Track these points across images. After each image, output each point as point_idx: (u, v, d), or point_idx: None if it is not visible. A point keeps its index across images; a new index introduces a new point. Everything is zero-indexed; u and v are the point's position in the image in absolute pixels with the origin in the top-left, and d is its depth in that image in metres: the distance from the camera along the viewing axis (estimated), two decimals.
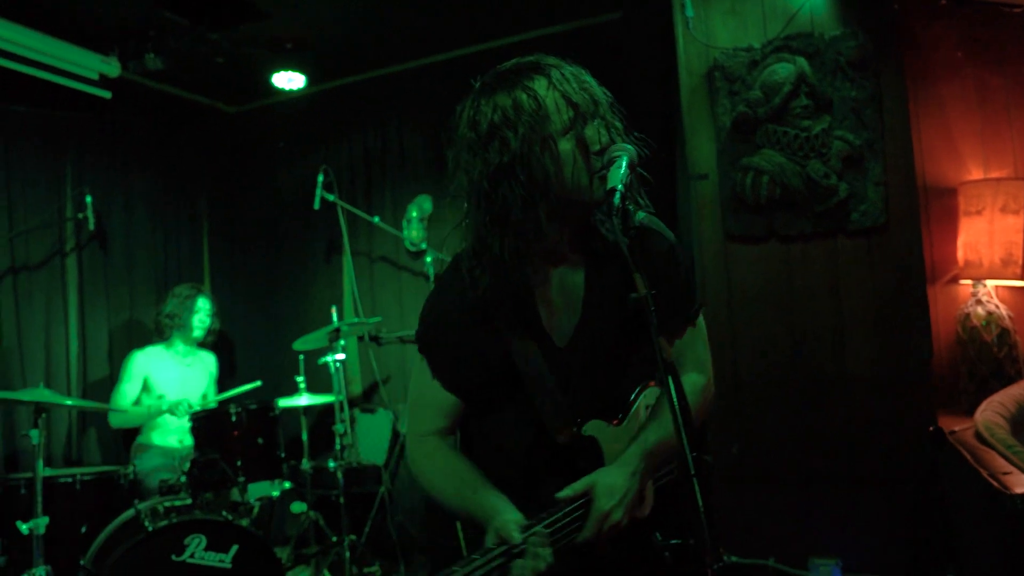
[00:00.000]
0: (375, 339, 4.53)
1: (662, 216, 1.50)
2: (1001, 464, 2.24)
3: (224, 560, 2.90)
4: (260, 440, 3.53)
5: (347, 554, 3.50)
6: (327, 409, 4.37)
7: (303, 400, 3.94)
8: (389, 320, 4.56)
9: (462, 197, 1.35)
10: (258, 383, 4.06)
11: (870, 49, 3.02)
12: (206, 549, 2.88)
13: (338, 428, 3.76)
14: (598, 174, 1.30)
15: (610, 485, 1.31)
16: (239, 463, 3.41)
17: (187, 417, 3.66)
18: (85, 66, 3.83)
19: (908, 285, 3.06)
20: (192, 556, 2.85)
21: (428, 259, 4.26)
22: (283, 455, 3.66)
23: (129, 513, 3.05)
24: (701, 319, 1.54)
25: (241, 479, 3.40)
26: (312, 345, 3.93)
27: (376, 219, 4.47)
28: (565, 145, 1.29)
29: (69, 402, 3.38)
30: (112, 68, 3.88)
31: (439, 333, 1.43)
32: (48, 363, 4.10)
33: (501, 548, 1.21)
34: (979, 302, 3.19)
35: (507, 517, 1.25)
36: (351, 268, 4.68)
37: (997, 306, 3.16)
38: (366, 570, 3.63)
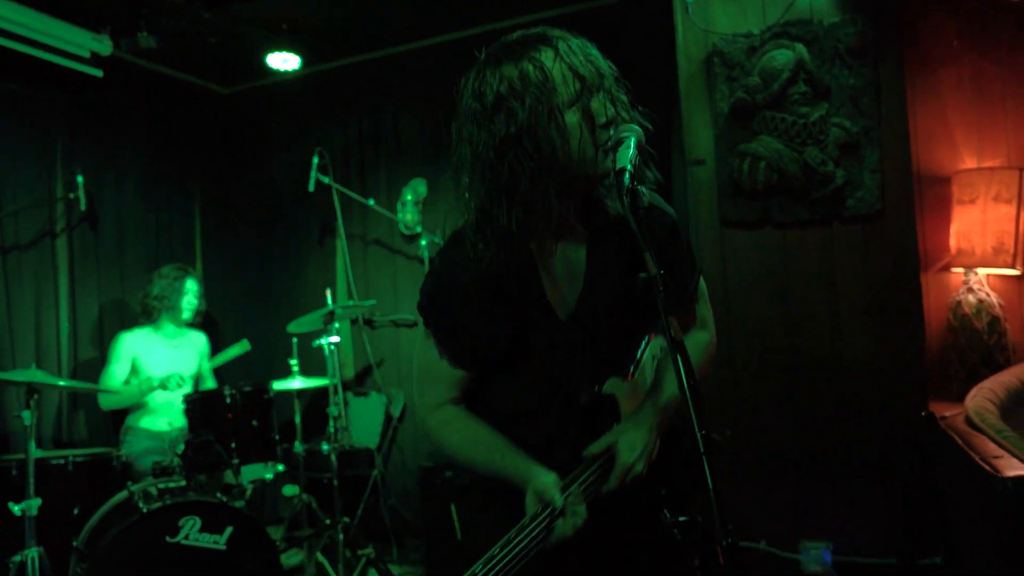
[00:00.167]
0: (369, 322, 4.54)
1: None
2: (992, 448, 2.27)
3: (219, 542, 2.91)
4: (255, 422, 3.53)
5: (340, 537, 3.50)
6: (319, 392, 4.37)
7: (296, 383, 3.94)
8: (383, 304, 4.55)
9: (464, 170, 1.34)
10: (245, 343, 4.06)
11: (869, 37, 3.03)
12: (200, 531, 2.88)
13: (332, 410, 3.75)
14: (603, 148, 1.30)
15: (631, 440, 1.37)
16: (233, 445, 3.41)
17: (179, 395, 3.66)
18: (76, 44, 3.79)
19: (902, 272, 3.08)
20: (187, 538, 2.85)
21: (423, 243, 4.26)
22: (277, 437, 3.66)
23: (122, 495, 3.04)
24: (702, 282, 1.59)
25: (235, 461, 3.40)
26: (306, 328, 3.92)
27: (371, 202, 4.45)
28: (571, 117, 1.28)
29: (62, 383, 3.36)
30: (104, 46, 3.84)
31: (444, 307, 1.42)
32: (38, 344, 4.06)
33: (547, 512, 1.27)
34: (970, 290, 3.22)
35: (546, 480, 1.30)
36: (345, 251, 4.67)
37: (988, 294, 3.20)
38: (359, 552, 3.64)
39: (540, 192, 1.28)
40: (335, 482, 3.64)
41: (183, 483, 3.05)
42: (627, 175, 1.23)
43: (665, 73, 3.43)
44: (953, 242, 3.29)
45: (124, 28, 3.82)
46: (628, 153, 1.27)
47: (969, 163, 3.32)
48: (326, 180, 4.35)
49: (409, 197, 4.53)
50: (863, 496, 3.06)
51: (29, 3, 3.51)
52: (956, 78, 3.33)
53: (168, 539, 2.82)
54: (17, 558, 2.75)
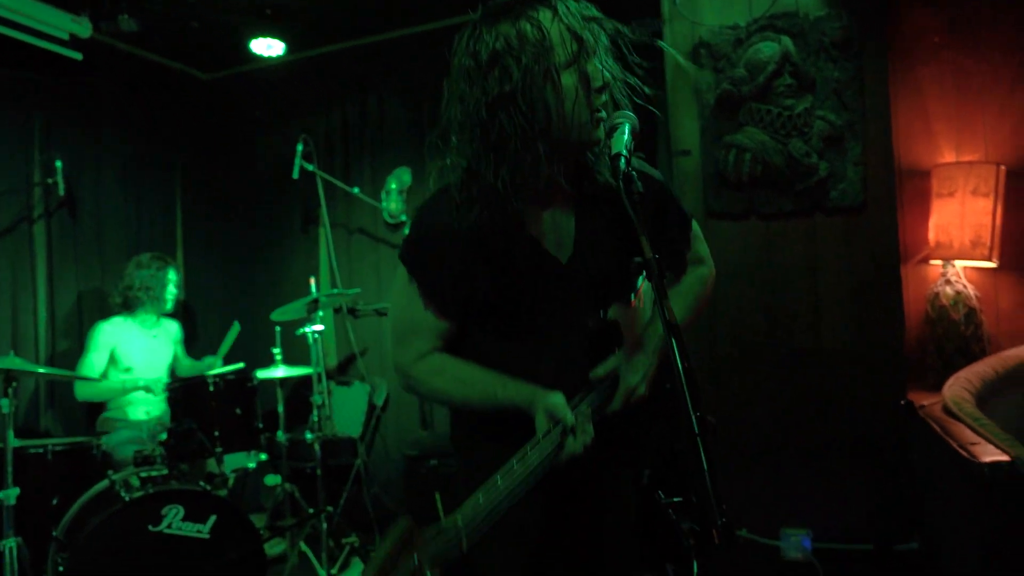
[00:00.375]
0: (352, 311, 4.52)
1: None
2: (969, 436, 2.32)
3: (202, 530, 2.89)
4: (238, 411, 3.51)
5: (324, 526, 3.50)
6: (302, 382, 4.36)
7: (279, 372, 3.91)
8: (367, 292, 4.54)
9: (452, 130, 1.33)
10: (236, 325, 4.03)
11: (854, 31, 3.06)
12: (184, 519, 2.87)
13: (316, 399, 3.74)
14: (597, 114, 1.30)
15: (634, 363, 1.40)
16: (216, 434, 3.38)
17: (164, 393, 3.63)
18: (54, 25, 3.71)
19: (883, 264, 3.13)
20: (169, 526, 2.84)
21: (407, 231, 4.24)
22: (260, 426, 3.64)
23: (103, 484, 3.01)
24: (695, 225, 1.63)
25: (218, 450, 3.38)
26: (290, 316, 3.89)
27: (355, 190, 4.43)
28: (568, 79, 1.28)
29: (41, 370, 3.32)
30: (83, 28, 3.77)
31: (430, 256, 1.40)
32: (15, 332, 4.00)
33: (558, 429, 1.29)
34: (948, 282, 3.27)
35: (555, 399, 1.31)
36: (329, 239, 4.64)
37: (965, 286, 3.25)
38: (343, 541, 3.64)
39: (531, 153, 1.27)
40: (318, 471, 3.63)
41: (165, 472, 3.03)
42: (623, 160, 1.24)
43: (652, 64, 3.44)
44: (932, 235, 3.34)
45: (104, 10, 3.75)
46: (623, 139, 1.28)
47: (948, 157, 3.37)
48: (310, 168, 4.32)
49: (394, 186, 4.51)
50: (843, 483, 3.11)
51: None
52: (936, 74, 3.37)
53: (151, 528, 2.80)
54: None
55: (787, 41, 3.09)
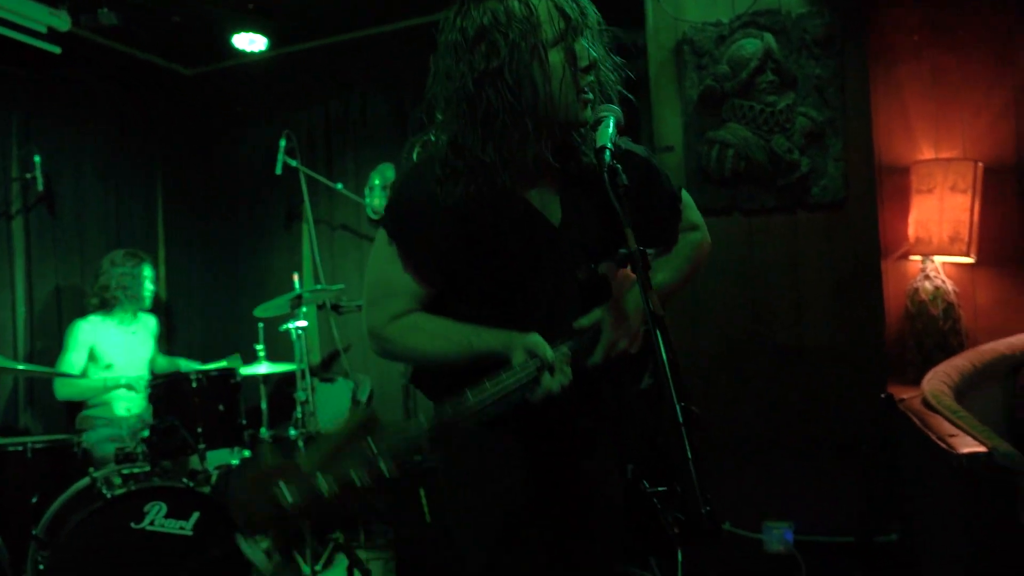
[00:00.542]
0: (336, 307, 4.49)
1: None
2: (948, 428, 2.35)
3: (185, 527, 2.87)
4: (220, 407, 3.48)
5: (307, 522, 3.48)
6: (285, 379, 4.33)
7: (263, 368, 3.89)
8: (350, 288, 4.52)
9: (438, 106, 1.33)
10: (237, 358, 4.00)
11: (835, 29, 3.09)
12: (166, 516, 2.84)
13: (299, 395, 3.72)
14: (583, 93, 1.30)
15: (617, 314, 1.38)
16: (199, 430, 3.35)
17: (146, 390, 3.59)
18: (32, 18, 3.65)
19: (864, 260, 3.17)
20: (152, 523, 2.81)
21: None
22: (244, 422, 3.62)
23: (84, 481, 2.97)
24: (686, 195, 1.62)
25: (201, 446, 3.35)
26: (273, 312, 3.87)
27: (339, 186, 4.41)
28: (555, 56, 1.28)
29: (21, 367, 3.27)
30: (62, 22, 3.71)
31: (413, 220, 1.38)
32: None
33: (535, 361, 1.28)
34: (927, 277, 3.32)
35: (533, 338, 1.30)
36: (313, 235, 4.62)
37: (944, 281, 3.30)
38: (327, 537, 3.62)
39: (518, 129, 1.27)
40: None
41: (147, 469, 3.00)
42: (607, 152, 1.25)
43: (635, 60, 3.46)
44: (911, 231, 3.38)
45: (84, 3, 3.70)
46: (608, 132, 1.29)
47: (927, 154, 3.42)
48: (293, 163, 4.29)
49: (377, 182, 4.50)
50: (824, 476, 3.15)
51: None
52: (916, 70, 3.42)
53: (133, 525, 2.78)
54: None
55: (769, 38, 3.12)
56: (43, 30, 3.71)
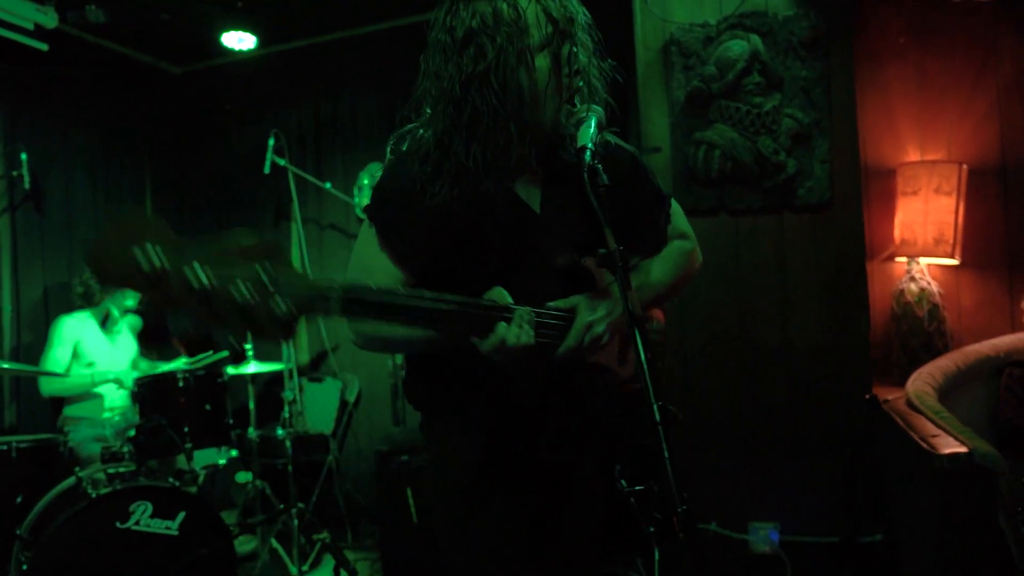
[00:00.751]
0: None
1: None
2: (930, 428, 2.38)
3: (171, 527, 2.86)
4: (207, 407, 3.47)
5: (295, 522, 3.48)
6: (273, 378, 4.32)
7: (251, 368, 3.88)
8: None
9: (426, 103, 1.33)
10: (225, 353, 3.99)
11: (821, 31, 3.11)
12: (152, 516, 2.82)
13: (287, 395, 3.72)
14: (568, 98, 1.30)
15: (593, 303, 1.34)
16: (186, 430, 3.35)
17: (132, 387, 3.58)
18: (18, 14, 3.63)
19: (849, 261, 3.18)
20: (137, 523, 2.80)
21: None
22: (231, 422, 3.61)
23: (69, 481, 2.96)
24: (675, 204, 1.60)
25: (188, 446, 3.34)
26: None
27: (327, 185, 4.40)
28: (541, 61, 1.29)
29: (5, 365, 3.25)
30: (49, 19, 3.69)
31: (394, 203, 1.38)
32: None
33: (489, 301, 1.24)
34: (913, 279, 3.34)
35: (498, 290, 1.26)
36: (301, 235, 4.61)
37: (929, 283, 3.32)
38: (314, 538, 3.62)
39: (503, 133, 1.28)
40: (289, 468, 3.61)
41: (133, 468, 2.99)
42: (588, 153, 1.25)
43: (623, 60, 3.47)
44: (897, 232, 3.41)
45: (71, 0, 3.68)
46: (589, 132, 1.29)
47: (913, 156, 3.44)
48: (282, 162, 4.28)
49: (366, 181, 4.49)
50: (810, 477, 3.16)
51: None
52: (901, 73, 3.44)
53: (118, 525, 2.76)
54: None
55: (756, 40, 3.13)
56: (30, 27, 3.69)
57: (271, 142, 4.23)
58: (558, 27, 1.28)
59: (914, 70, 3.43)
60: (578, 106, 1.34)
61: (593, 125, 1.31)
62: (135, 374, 3.72)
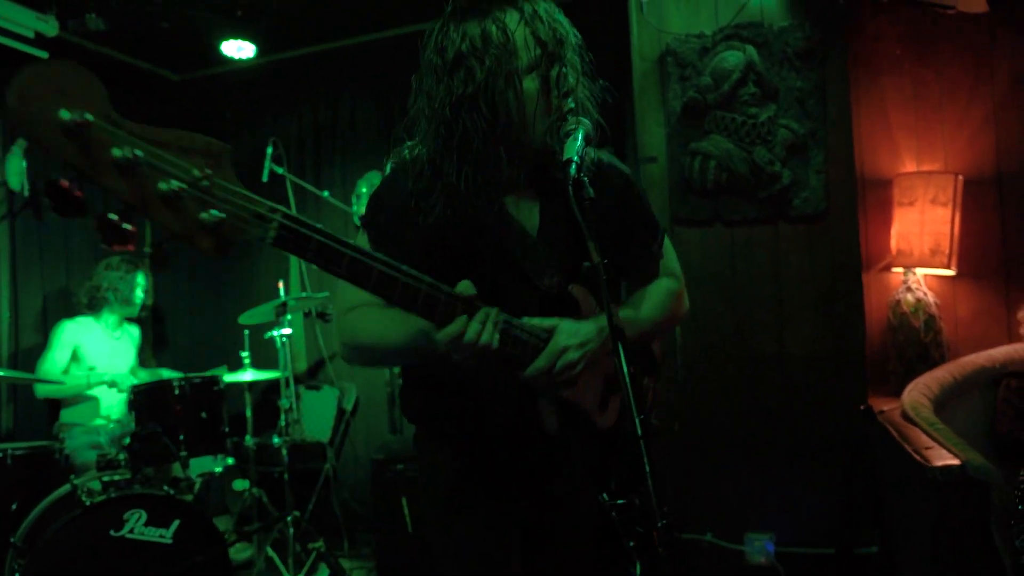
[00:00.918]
0: (321, 315, 4.49)
1: None
2: (924, 440, 2.37)
3: (165, 535, 2.85)
4: (203, 414, 3.47)
5: (291, 531, 3.47)
6: (271, 386, 4.32)
7: (248, 375, 3.88)
8: (336, 296, 4.51)
9: (420, 120, 1.34)
10: (223, 369, 3.99)
11: (816, 42, 3.12)
12: (146, 524, 2.82)
13: (283, 403, 3.72)
14: (557, 119, 1.30)
15: (574, 328, 1.31)
16: (182, 437, 3.35)
17: (127, 391, 3.58)
18: (19, 23, 3.65)
19: (844, 271, 3.18)
20: (132, 531, 2.80)
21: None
22: (227, 430, 3.61)
23: (64, 488, 2.95)
24: (668, 242, 1.59)
25: (183, 454, 3.34)
26: (258, 319, 3.87)
27: (325, 193, 4.41)
28: (530, 84, 1.29)
29: (1, 372, 3.26)
30: (49, 27, 3.71)
31: (387, 215, 1.38)
32: None
33: (448, 288, 1.20)
34: (909, 289, 3.34)
35: (466, 283, 1.23)
36: None
37: (925, 293, 3.32)
38: (310, 546, 3.62)
39: (492, 153, 1.29)
40: (286, 476, 3.61)
41: (128, 476, 2.99)
42: (573, 166, 1.26)
43: (620, 71, 3.48)
44: (894, 243, 3.41)
45: (72, 9, 3.70)
46: (576, 145, 1.29)
47: (909, 167, 3.44)
48: (280, 170, 4.29)
49: (364, 190, 4.49)
50: (806, 488, 3.16)
51: None
52: (897, 84, 3.45)
53: (112, 533, 2.76)
54: None
55: (751, 50, 3.14)
56: (30, 35, 3.71)
57: (269, 150, 4.24)
58: (546, 49, 1.29)
59: (910, 81, 3.44)
60: (568, 122, 1.34)
61: (580, 138, 1.31)
62: (132, 380, 3.73)
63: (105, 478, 2.98)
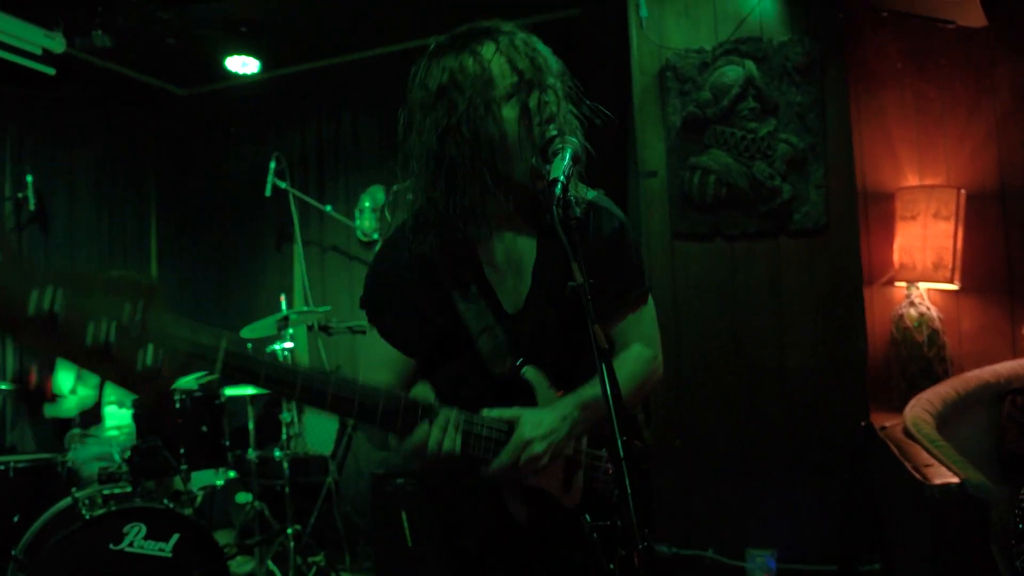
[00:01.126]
0: (324, 329, 4.49)
1: None
2: (924, 457, 2.35)
3: (164, 549, 2.85)
4: (204, 428, 3.48)
5: (292, 544, 3.47)
6: (273, 399, 4.33)
7: (250, 388, 3.89)
8: (339, 310, 4.53)
9: (412, 158, 1.37)
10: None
11: (816, 56, 3.12)
12: (145, 538, 2.82)
13: (284, 417, 3.72)
14: (539, 145, 1.31)
15: (538, 419, 1.29)
16: (182, 451, 3.35)
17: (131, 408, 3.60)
18: (27, 40, 3.71)
19: (845, 285, 3.16)
20: (131, 545, 2.80)
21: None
22: (228, 443, 3.61)
23: (66, 502, 2.96)
24: (651, 299, 1.56)
25: (184, 467, 3.35)
26: (260, 333, 3.88)
27: (328, 208, 4.44)
28: (508, 112, 1.31)
29: (4, 387, 3.28)
30: (57, 44, 3.77)
31: (385, 294, 1.44)
32: None
33: (408, 398, 1.20)
34: (912, 304, 3.32)
35: (424, 387, 1.29)
36: (302, 257, 4.64)
37: (928, 308, 3.29)
38: (311, 560, 3.61)
39: (479, 182, 1.31)
40: (287, 489, 3.61)
41: (129, 489, 3.00)
42: (559, 186, 1.26)
43: (620, 86, 3.49)
44: (896, 257, 3.39)
45: (78, 26, 3.75)
46: (562, 165, 1.29)
47: (912, 181, 3.43)
48: (283, 185, 4.33)
49: (367, 204, 4.52)
50: (808, 503, 3.13)
51: None
52: (899, 98, 3.44)
53: (112, 546, 2.76)
54: None
55: (751, 65, 3.14)
56: (38, 52, 3.76)
57: (272, 165, 4.27)
58: (523, 77, 1.31)
59: (912, 95, 3.43)
60: (555, 142, 1.34)
61: (567, 158, 1.30)
62: (134, 396, 3.74)
63: (106, 491, 2.99)
